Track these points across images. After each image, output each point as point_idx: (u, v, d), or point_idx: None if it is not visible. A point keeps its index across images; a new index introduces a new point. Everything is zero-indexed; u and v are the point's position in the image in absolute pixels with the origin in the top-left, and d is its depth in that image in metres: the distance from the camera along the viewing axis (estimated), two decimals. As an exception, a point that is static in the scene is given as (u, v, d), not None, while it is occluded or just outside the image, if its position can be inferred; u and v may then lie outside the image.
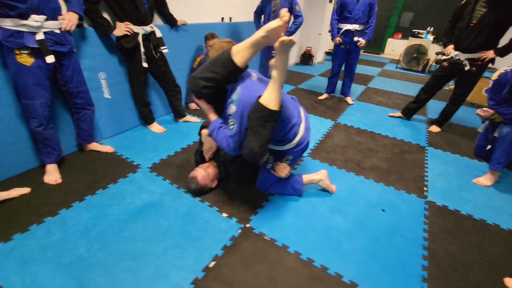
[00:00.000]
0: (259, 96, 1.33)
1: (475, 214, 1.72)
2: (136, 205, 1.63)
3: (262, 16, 3.19)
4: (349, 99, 3.55)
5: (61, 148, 1.84)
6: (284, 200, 1.75)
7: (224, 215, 1.60)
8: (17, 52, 1.47)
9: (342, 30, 3.15)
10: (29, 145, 1.81)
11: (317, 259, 1.36)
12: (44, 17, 1.47)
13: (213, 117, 1.51)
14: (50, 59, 1.54)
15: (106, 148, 2.13)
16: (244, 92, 1.38)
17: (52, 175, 1.78)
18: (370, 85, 4.48)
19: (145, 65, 2.14)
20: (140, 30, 2.04)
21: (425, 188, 1.95)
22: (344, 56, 3.32)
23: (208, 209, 1.64)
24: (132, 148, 2.20)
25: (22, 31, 1.43)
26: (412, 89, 4.34)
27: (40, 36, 1.48)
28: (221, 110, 1.52)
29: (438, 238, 1.53)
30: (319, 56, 5.68)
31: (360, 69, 5.55)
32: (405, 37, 7.03)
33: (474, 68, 2.49)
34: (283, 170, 1.62)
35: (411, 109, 3.06)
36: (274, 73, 1.31)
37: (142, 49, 2.09)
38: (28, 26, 1.43)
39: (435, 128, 2.90)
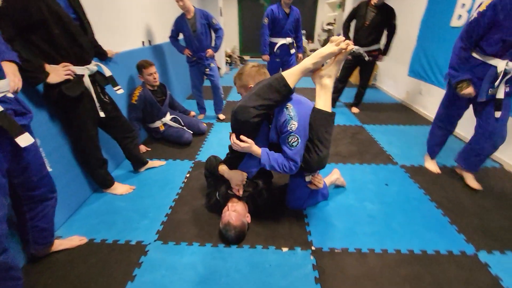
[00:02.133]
0: (314, 106, 1.41)
1: (430, 163, 2.33)
2: (187, 290, 1.26)
3: (183, 37, 2.97)
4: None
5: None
6: (318, 209, 1.79)
7: (285, 249, 1.49)
8: None
9: (279, 45, 3.25)
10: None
11: (387, 246, 1.50)
12: None
13: (258, 149, 1.44)
14: (25, 140, 0.95)
15: (75, 241, 1.49)
16: (299, 106, 1.39)
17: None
18: (282, 85, 5.00)
19: (102, 114, 1.62)
20: (85, 70, 1.52)
21: (390, 157, 2.45)
22: (279, 68, 3.46)
23: (266, 251, 1.47)
24: (111, 226, 1.63)
25: None
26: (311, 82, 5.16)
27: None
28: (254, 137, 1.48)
29: (431, 189, 1.98)
30: (223, 68, 5.80)
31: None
32: (280, 40, 8.18)
33: (371, 58, 3.26)
34: (320, 181, 1.65)
35: (334, 98, 3.67)
36: (326, 81, 1.39)
37: (94, 95, 1.57)
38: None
39: (355, 109, 3.61)
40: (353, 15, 3.20)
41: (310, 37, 7.78)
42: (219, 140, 2.79)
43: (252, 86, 1.48)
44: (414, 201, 1.87)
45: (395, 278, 1.32)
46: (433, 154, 2.26)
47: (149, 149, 2.56)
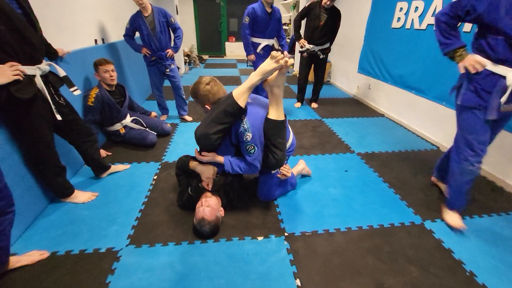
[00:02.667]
0: (266, 115, 1.51)
1: (382, 149, 2.61)
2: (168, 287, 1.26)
3: (139, 36, 2.85)
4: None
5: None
6: (287, 198, 1.90)
7: (260, 238, 1.56)
8: None
9: (262, 46, 3.14)
10: None
11: (351, 224, 1.66)
12: None
13: (221, 158, 1.58)
14: None
15: (34, 256, 1.37)
16: (252, 118, 1.49)
17: None
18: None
19: (59, 117, 1.50)
20: (36, 70, 1.40)
21: (348, 146, 2.68)
22: None
23: (243, 242, 1.52)
24: (75, 236, 1.53)
25: None
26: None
27: None
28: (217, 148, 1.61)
29: (383, 172, 2.23)
30: (182, 67, 5.66)
31: (222, 72, 6.08)
32: (238, 39, 8.24)
33: (324, 56, 3.49)
34: (288, 171, 1.76)
35: (302, 96, 3.81)
36: (276, 90, 1.48)
37: (48, 96, 1.45)
38: None
39: (314, 105, 3.84)
40: (305, 13, 3.29)
41: (267, 37, 8.00)
42: (185, 140, 2.75)
43: (208, 106, 1.56)
44: (370, 183, 2.09)
45: (359, 251, 1.47)
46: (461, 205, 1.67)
47: (110, 153, 2.42)
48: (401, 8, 3.15)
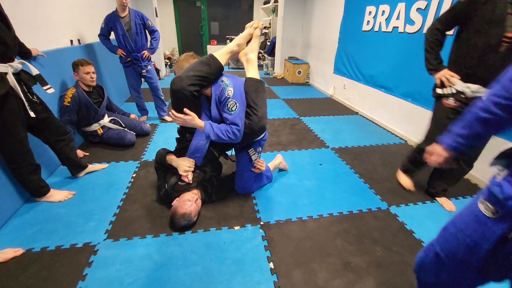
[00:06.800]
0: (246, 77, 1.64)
1: (355, 144, 2.75)
2: (145, 279, 1.29)
3: (114, 36, 2.87)
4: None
5: None
6: (264, 191, 1.98)
7: (237, 227, 1.63)
8: None
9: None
10: None
11: (322, 212, 1.77)
12: None
13: (201, 122, 1.53)
14: None
15: (8, 253, 1.36)
16: (233, 79, 1.59)
17: None
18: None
19: (32, 114, 1.50)
20: (8, 68, 1.40)
21: (323, 142, 2.81)
22: None
23: (220, 232, 1.59)
24: (52, 233, 1.53)
25: None
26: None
27: None
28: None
29: (355, 164, 2.37)
30: (163, 70, 5.65)
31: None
32: (219, 43, 8.31)
33: None
34: (262, 164, 1.84)
35: (417, 172, 1.99)
36: (251, 55, 1.65)
37: (21, 94, 1.45)
38: None
39: (447, 203, 1.87)
40: (461, 16, 1.47)
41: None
42: (165, 139, 2.78)
43: None
44: (342, 174, 2.21)
45: (329, 235, 1.58)
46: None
47: (87, 153, 2.41)
48: (370, 12, 3.36)
